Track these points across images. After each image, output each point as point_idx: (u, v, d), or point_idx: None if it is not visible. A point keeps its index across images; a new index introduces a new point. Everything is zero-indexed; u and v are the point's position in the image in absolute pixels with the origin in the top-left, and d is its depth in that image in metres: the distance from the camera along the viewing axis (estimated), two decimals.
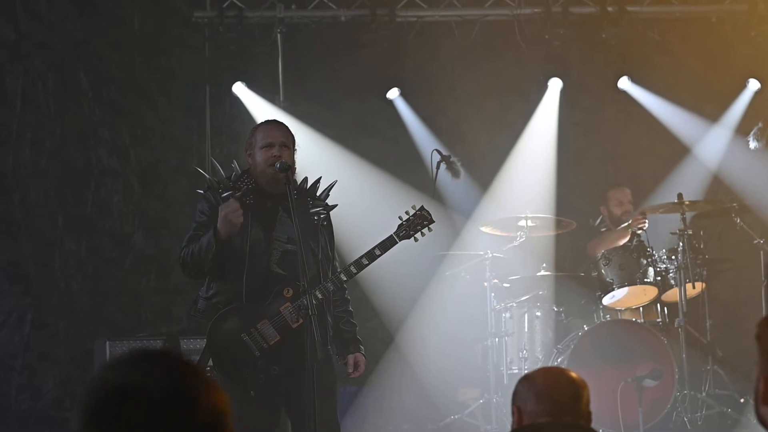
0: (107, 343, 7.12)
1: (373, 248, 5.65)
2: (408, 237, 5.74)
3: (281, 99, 9.16)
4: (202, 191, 5.80)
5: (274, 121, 5.99)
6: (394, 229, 5.72)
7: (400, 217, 5.77)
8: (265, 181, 5.67)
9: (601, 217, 8.83)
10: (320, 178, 5.92)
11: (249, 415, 5.56)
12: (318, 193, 5.88)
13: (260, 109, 9.19)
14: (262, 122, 6.02)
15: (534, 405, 3.30)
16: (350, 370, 5.84)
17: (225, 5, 9.09)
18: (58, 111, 8.97)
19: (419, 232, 5.78)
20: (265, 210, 5.68)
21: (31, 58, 8.93)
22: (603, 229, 8.76)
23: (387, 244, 5.68)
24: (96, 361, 7.20)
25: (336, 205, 5.89)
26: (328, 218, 5.88)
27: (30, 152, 8.89)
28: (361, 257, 5.65)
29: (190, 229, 5.73)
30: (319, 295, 5.56)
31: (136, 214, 9.11)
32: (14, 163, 8.83)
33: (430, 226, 5.81)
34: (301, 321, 5.53)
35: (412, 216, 5.77)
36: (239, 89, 9.22)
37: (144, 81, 9.18)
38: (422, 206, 5.84)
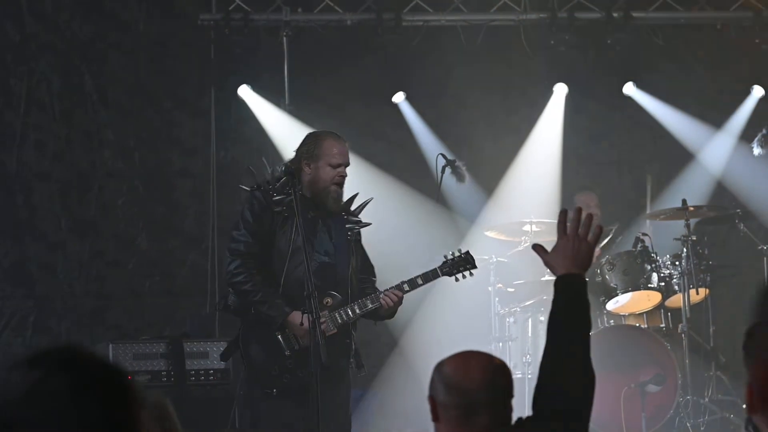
0: (110, 345, 7.12)
1: (416, 277, 5.98)
2: (450, 275, 6.07)
3: (286, 102, 9.15)
4: (247, 188, 5.96)
5: (341, 138, 6.15)
6: (439, 264, 6.04)
7: (445, 256, 6.10)
8: (319, 195, 5.88)
9: None
10: (357, 194, 6.13)
11: (270, 409, 5.72)
12: (352, 209, 6.08)
13: (266, 112, 9.19)
14: (327, 134, 6.17)
15: (444, 396, 3.03)
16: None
17: (231, 8, 9.08)
18: (63, 113, 8.97)
19: (461, 273, 6.09)
20: (307, 220, 5.83)
21: (36, 60, 8.93)
22: None
23: (429, 276, 6.00)
24: None
25: (369, 224, 6.13)
26: (359, 235, 6.10)
27: (34, 154, 8.90)
28: (403, 282, 5.94)
29: (240, 228, 5.87)
30: (357, 310, 5.85)
31: (140, 216, 9.11)
32: (18, 165, 8.84)
33: (471, 270, 6.14)
34: (335, 330, 5.78)
35: (457, 257, 6.09)
36: (245, 92, 9.22)
37: (149, 83, 9.18)
38: (467, 251, 6.16)
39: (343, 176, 5.91)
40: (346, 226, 6.01)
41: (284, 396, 5.74)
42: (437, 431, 3.07)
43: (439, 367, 3.08)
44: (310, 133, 6.27)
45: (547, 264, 3.43)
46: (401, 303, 5.98)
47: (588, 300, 3.33)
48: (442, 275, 6.03)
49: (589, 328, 3.28)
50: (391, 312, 6.01)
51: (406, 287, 5.93)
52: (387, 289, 5.95)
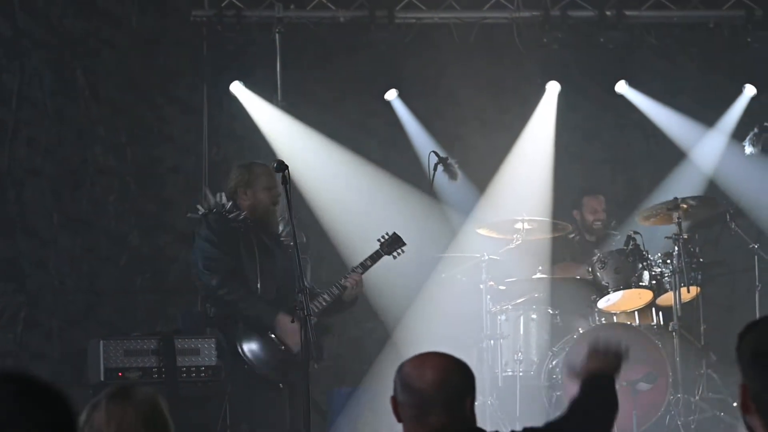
0: (101, 342, 7.08)
1: (365, 260, 6.78)
2: (389, 254, 6.86)
3: (279, 99, 9.14)
4: (198, 215, 6.66)
5: (266, 165, 6.85)
6: (378, 246, 6.83)
7: (378, 240, 6.87)
8: (263, 216, 6.66)
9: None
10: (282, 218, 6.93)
11: (281, 407, 6.15)
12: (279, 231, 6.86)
13: (258, 108, 9.19)
14: (255, 163, 6.99)
15: (401, 395, 3.13)
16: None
17: (223, 4, 9.07)
18: (55, 109, 8.95)
19: (396, 252, 6.89)
20: (262, 238, 6.65)
21: (28, 56, 8.91)
22: (574, 236, 8.83)
23: (375, 257, 6.79)
24: (89, 361, 7.17)
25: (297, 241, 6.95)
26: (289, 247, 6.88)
27: (26, 150, 8.88)
28: (357, 267, 6.74)
29: (201, 259, 6.59)
30: (328, 298, 6.56)
31: (131, 213, 9.09)
32: (10, 161, 8.82)
33: (403, 248, 6.90)
34: (315, 320, 6.30)
35: (390, 238, 6.87)
36: (237, 89, 9.21)
37: (141, 79, 9.16)
38: (395, 232, 6.93)
39: (279, 195, 6.62)
40: (282, 239, 6.84)
41: (289, 389, 6.40)
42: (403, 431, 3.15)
43: (400, 367, 3.17)
44: (239, 165, 7.03)
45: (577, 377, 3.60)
46: (362, 286, 6.76)
47: (615, 397, 3.53)
48: (385, 255, 6.83)
49: (614, 414, 3.47)
50: (354, 297, 6.75)
51: (359, 269, 6.70)
52: (344, 276, 6.72)
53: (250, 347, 6.51)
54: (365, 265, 6.75)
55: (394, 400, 3.14)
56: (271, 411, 6.43)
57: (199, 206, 6.75)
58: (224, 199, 6.69)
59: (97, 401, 2.98)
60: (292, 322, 6.24)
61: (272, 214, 6.73)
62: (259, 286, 6.53)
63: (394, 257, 6.89)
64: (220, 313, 6.59)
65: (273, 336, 6.41)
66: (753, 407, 2.29)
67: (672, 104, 9.56)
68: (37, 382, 2.07)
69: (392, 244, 6.87)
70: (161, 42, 9.22)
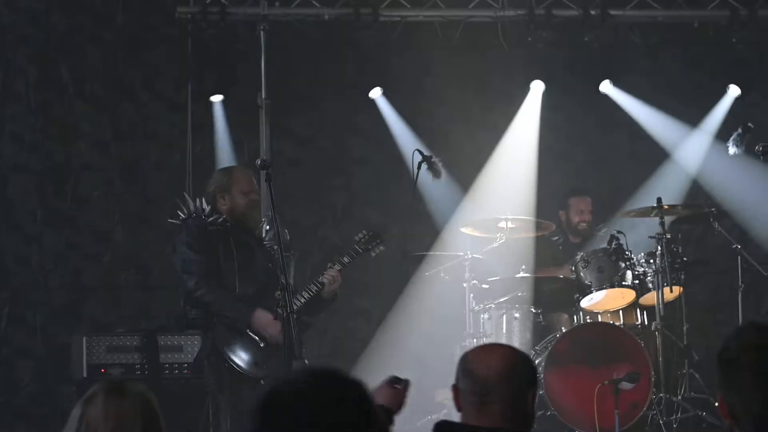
0: (84, 338, 7.07)
1: (342, 257, 6.85)
2: (366, 251, 6.96)
3: (263, 97, 9.13)
4: (178, 221, 6.79)
5: (246, 168, 7.15)
6: (355, 244, 6.95)
7: (357, 237, 6.98)
8: (241, 218, 6.79)
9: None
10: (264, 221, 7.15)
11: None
12: (263, 235, 7.00)
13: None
14: (234, 167, 7.30)
15: (462, 382, 3.16)
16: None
17: (208, 1, 9.05)
18: (39, 105, 8.95)
19: (374, 249, 6.98)
20: (242, 239, 6.78)
21: (13, 52, 8.90)
22: (558, 238, 8.86)
23: (352, 254, 6.90)
24: (73, 357, 7.15)
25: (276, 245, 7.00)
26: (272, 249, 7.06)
27: (10, 146, 8.87)
28: (333, 263, 6.81)
29: (180, 262, 6.71)
30: (306, 294, 6.65)
31: (115, 209, 9.10)
32: None
33: (381, 245, 6.99)
34: (294, 315, 6.40)
35: (369, 235, 6.98)
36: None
37: (126, 76, 9.16)
38: (373, 229, 7.08)
39: (255, 200, 6.83)
40: (264, 243, 6.98)
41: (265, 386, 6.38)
42: (461, 420, 3.17)
43: (464, 355, 3.19)
44: (219, 170, 7.23)
45: None
46: (340, 282, 6.80)
47: None
48: (363, 252, 6.93)
49: None
50: (333, 293, 6.80)
51: (337, 266, 6.78)
52: (321, 273, 6.81)
53: (230, 346, 6.56)
54: (342, 262, 6.84)
55: (456, 388, 3.16)
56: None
57: (179, 212, 6.86)
58: (204, 203, 6.82)
59: (90, 396, 2.96)
60: (275, 319, 6.36)
61: (250, 216, 6.86)
62: (237, 286, 6.65)
63: (372, 255, 7.00)
64: (200, 313, 6.68)
65: (251, 333, 6.53)
66: (727, 411, 2.32)
67: (656, 104, 9.58)
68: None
69: (370, 241, 6.98)
70: (146, 39, 9.22)
